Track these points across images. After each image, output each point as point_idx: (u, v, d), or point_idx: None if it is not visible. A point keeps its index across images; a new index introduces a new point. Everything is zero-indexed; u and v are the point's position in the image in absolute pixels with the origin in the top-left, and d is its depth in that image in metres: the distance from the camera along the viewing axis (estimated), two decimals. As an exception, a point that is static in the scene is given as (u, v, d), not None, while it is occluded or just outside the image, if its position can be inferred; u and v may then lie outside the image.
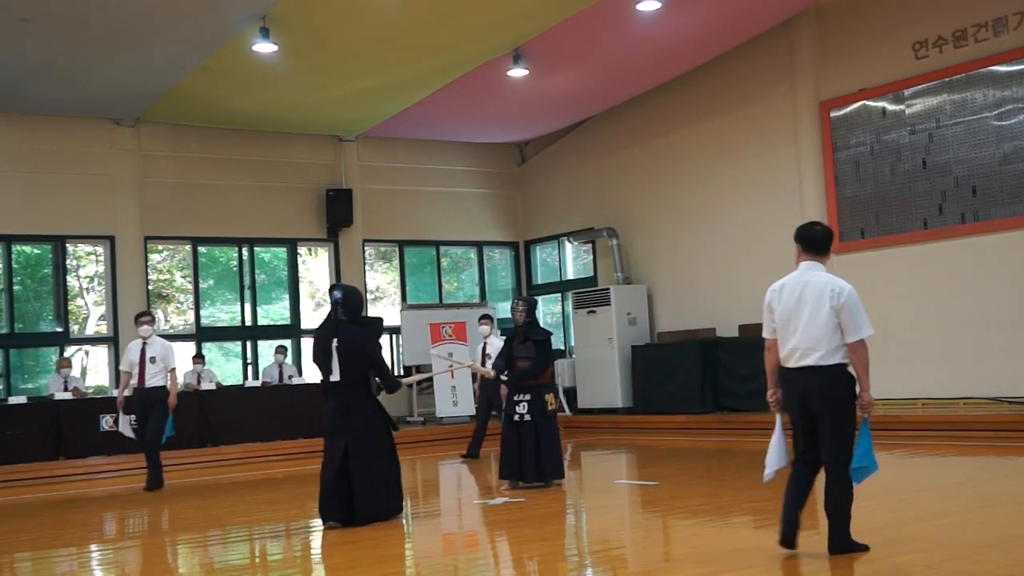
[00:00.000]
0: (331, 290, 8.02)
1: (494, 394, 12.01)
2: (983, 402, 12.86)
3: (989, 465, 9.81)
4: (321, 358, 7.81)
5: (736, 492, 8.77)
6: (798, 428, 5.62)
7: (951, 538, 5.97)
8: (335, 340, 7.73)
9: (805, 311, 5.51)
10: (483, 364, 12.07)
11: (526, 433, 9.20)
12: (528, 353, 9.35)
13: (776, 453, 5.67)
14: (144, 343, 11.09)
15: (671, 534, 7.07)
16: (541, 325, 10.69)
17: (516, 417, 9.26)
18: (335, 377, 7.72)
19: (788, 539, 5.59)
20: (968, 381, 13.06)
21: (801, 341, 5.50)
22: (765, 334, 5.74)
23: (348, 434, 7.63)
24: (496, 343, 12.42)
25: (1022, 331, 12.76)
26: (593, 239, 18.52)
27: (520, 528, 7.45)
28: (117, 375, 15.97)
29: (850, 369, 5.51)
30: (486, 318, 12.92)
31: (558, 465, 9.31)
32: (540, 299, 20.12)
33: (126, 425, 11.29)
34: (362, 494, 7.58)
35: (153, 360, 11.03)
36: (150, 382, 11.00)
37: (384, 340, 18.69)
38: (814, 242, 5.74)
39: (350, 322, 7.84)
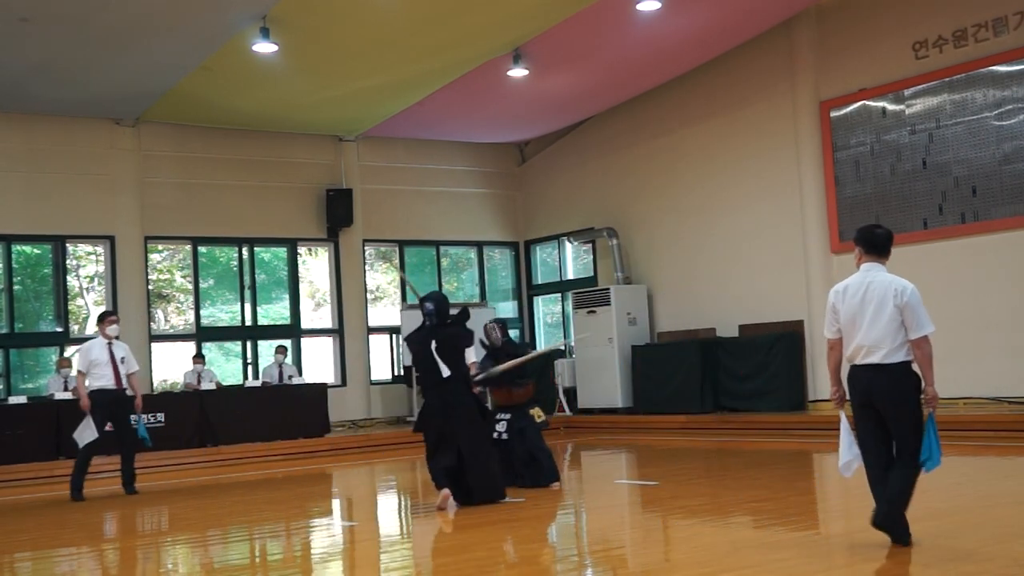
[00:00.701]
0: (423, 302, 8.59)
1: None
2: (983, 402, 12.86)
3: (989, 465, 9.81)
4: (424, 360, 8.40)
5: (736, 492, 8.78)
6: (864, 424, 5.81)
7: (951, 538, 5.97)
8: (433, 341, 8.34)
9: (869, 310, 5.72)
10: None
11: (502, 451, 9.26)
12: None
13: (848, 449, 5.86)
14: (110, 343, 10.80)
15: (671, 534, 7.07)
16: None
17: (494, 435, 9.29)
18: (445, 373, 8.30)
19: (903, 539, 5.73)
20: (968, 381, 13.05)
21: (865, 339, 5.71)
22: (829, 334, 5.94)
23: (456, 422, 8.26)
24: None
25: (1022, 331, 12.76)
26: (593, 239, 18.52)
27: (520, 528, 7.45)
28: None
29: (914, 366, 5.70)
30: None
31: (552, 470, 9.34)
32: (540, 299, 20.17)
33: (89, 430, 10.55)
34: (478, 480, 8.25)
35: (123, 360, 10.82)
36: (111, 383, 10.68)
37: (385, 340, 18.74)
38: (876, 244, 5.95)
39: (443, 325, 8.50)
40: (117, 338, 11.03)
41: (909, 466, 5.66)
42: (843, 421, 5.93)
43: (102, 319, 11.01)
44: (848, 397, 5.90)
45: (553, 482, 9.29)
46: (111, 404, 10.68)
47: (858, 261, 5.94)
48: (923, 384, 5.71)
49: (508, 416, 9.36)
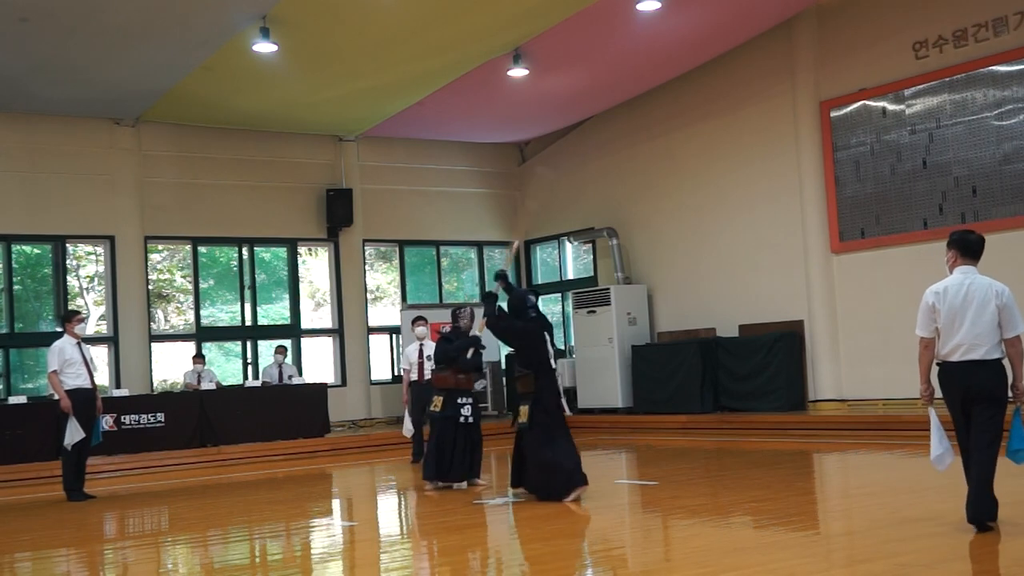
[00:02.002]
0: (527, 295, 9.10)
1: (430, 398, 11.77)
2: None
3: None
4: (542, 349, 8.73)
5: (736, 492, 8.78)
6: (960, 418, 6.13)
7: (951, 538, 5.97)
8: (546, 333, 8.79)
9: (970, 310, 6.04)
10: (421, 367, 12.38)
11: (465, 435, 9.61)
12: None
13: (944, 444, 6.18)
14: (79, 343, 10.66)
15: (671, 534, 7.07)
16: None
17: (461, 419, 9.62)
18: (554, 364, 8.75)
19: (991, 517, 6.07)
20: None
21: (966, 337, 6.02)
22: (926, 333, 6.20)
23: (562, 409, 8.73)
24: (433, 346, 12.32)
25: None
26: (593, 239, 18.52)
27: (520, 528, 7.45)
28: (117, 375, 16.03)
29: (1004, 362, 6.05)
30: (421, 320, 12.80)
31: (480, 465, 9.88)
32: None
33: (77, 431, 10.37)
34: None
35: (92, 360, 10.76)
36: (88, 383, 10.60)
37: (385, 340, 18.75)
38: (972, 248, 6.24)
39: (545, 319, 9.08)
40: (84, 339, 10.95)
41: (992, 458, 5.98)
42: (934, 417, 6.21)
43: (69, 318, 10.83)
44: (940, 394, 6.19)
45: (478, 480, 9.77)
46: (86, 405, 10.54)
47: (952, 264, 6.24)
48: (1012, 380, 6.05)
49: (470, 400, 9.72)
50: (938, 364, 6.21)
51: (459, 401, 9.64)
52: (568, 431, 8.73)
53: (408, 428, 12.32)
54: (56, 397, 10.80)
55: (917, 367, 6.19)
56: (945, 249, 6.33)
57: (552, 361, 8.76)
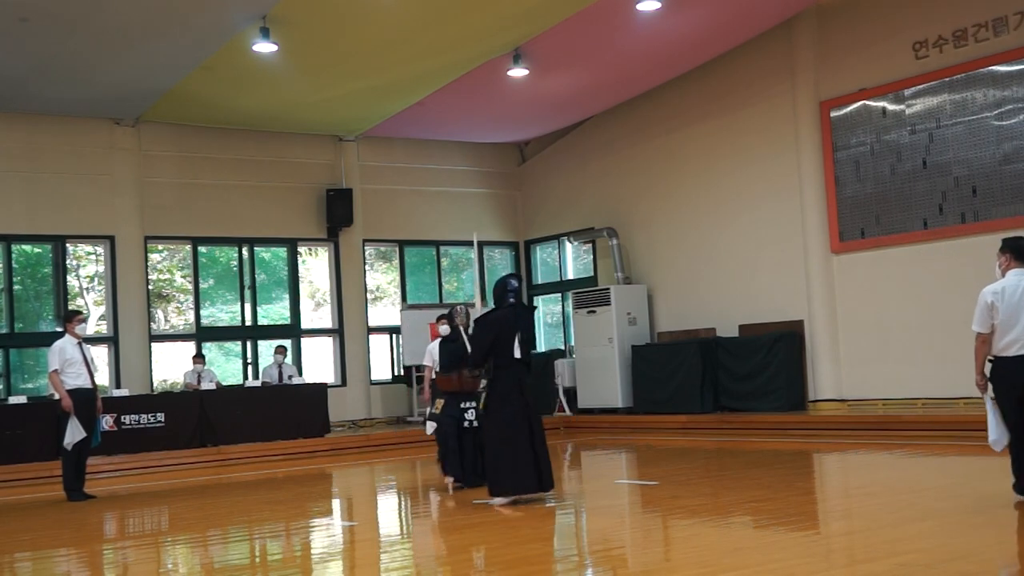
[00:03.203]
0: (509, 279, 8.58)
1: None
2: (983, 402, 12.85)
3: (989, 465, 9.79)
4: (507, 338, 8.32)
5: (736, 492, 8.77)
6: (1015, 407, 6.68)
7: (951, 538, 5.97)
8: (519, 322, 8.40)
9: None
10: None
11: (471, 439, 9.50)
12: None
13: (1000, 429, 6.80)
14: (80, 343, 10.66)
15: (671, 534, 7.07)
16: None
17: (466, 424, 9.51)
18: (518, 355, 8.36)
19: None
20: (968, 381, 12.97)
21: (1023, 334, 6.57)
22: (983, 329, 6.77)
23: (529, 407, 8.37)
24: None
25: (1022, 331, 12.74)
26: (593, 239, 18.52)
27: (520, 528, 7.45)
28: (117, 375, 16.04)
29: None
30: (444, 319, 12.80)
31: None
32: (540, 299, 20.15)
33: (77, 430, 10.37)
34: (547, 461, 8.35)
35: (92, 360, 10.76)
36: (88, 382, 10.59)
37: (385, 340, 18.74)
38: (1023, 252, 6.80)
39: (523, 306, 8.62)
40: (85, 338, 10.96)
41: None
42: (990, 404, 6.84)
43: (70, 318, 10.81)
44: (997, 385, 6.75)
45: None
46: (87, 404, 10.53)
47: (1005, 267, 6.81)
48: None
49: (474, 404, 9.50)
50: (990, 360, 6.73)
51: (463, 405, 9.57)
52: (523, 427, 8.26)
53: (432, 426, 12.36)
54: (56, 397, 10.80)
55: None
56: (998, 253, 6.84)
57: (516, 350, 8.33)
